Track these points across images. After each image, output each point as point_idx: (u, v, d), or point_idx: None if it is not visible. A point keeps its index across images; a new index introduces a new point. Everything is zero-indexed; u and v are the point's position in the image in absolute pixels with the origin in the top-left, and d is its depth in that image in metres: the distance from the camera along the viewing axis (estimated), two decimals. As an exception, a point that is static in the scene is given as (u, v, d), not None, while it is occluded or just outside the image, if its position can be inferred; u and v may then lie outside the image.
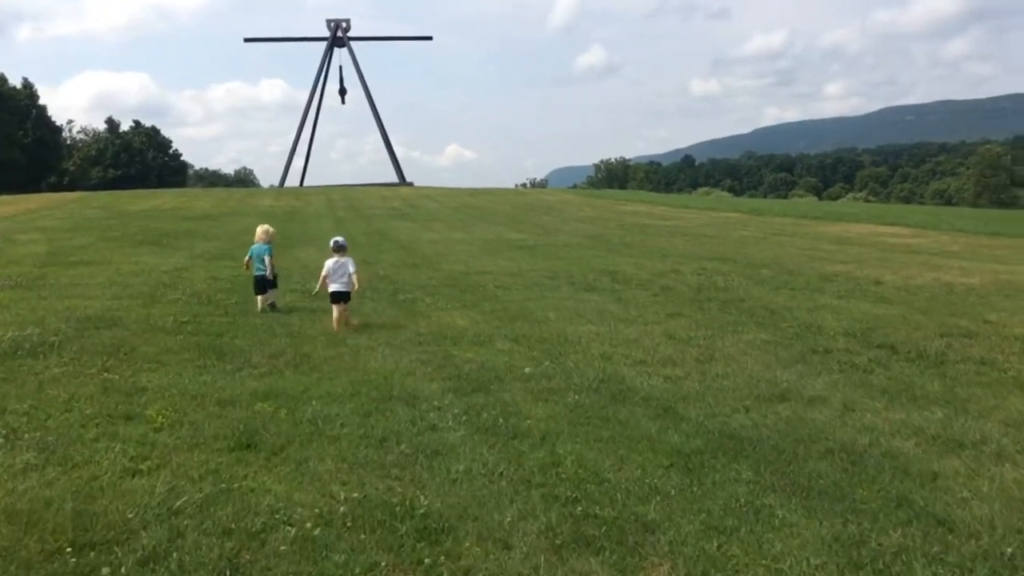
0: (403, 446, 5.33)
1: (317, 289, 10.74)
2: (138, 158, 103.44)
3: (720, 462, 5.08)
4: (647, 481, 4.72)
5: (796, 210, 43.51)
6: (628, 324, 10.89)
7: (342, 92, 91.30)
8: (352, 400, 6.49)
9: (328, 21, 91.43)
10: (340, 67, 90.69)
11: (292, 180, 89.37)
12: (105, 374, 7.22)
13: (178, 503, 4.21)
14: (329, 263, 10.39)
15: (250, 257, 11.54)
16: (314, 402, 6.35)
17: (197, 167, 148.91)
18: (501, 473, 4.84)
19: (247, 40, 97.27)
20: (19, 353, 8.01)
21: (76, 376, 7.11)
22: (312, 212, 42.80)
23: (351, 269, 10.31)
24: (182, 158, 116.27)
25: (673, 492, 4.56)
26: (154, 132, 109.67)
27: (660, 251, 23.25)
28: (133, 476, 4.66)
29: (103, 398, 6.38)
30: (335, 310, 10.19)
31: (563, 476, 4.81)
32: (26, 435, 5.34)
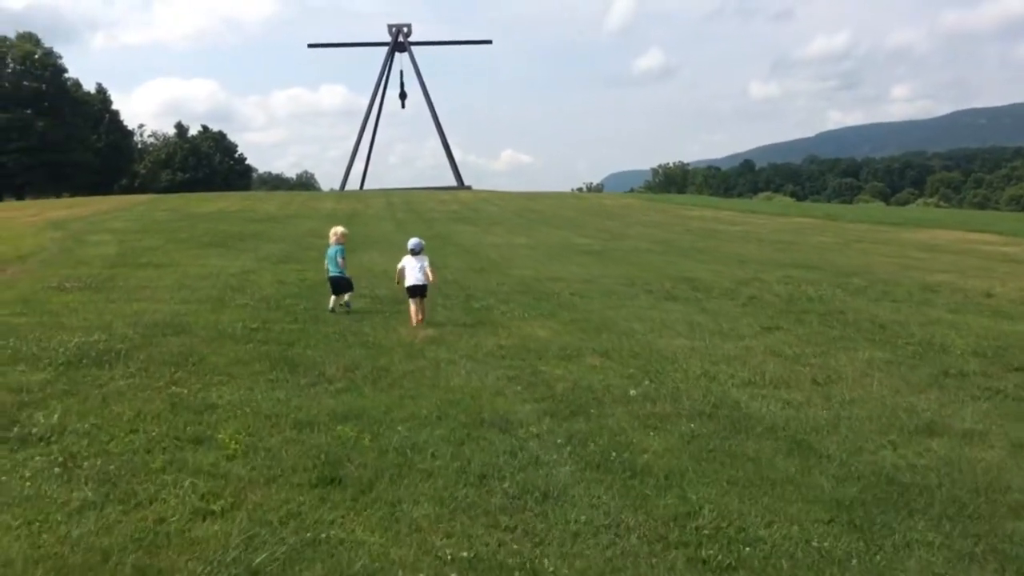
0: (506, 484, 4.61)
1: (398, 280, 10.92)
2: (205, 162, 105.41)
3: (891, 517, 4.24)
4: (811, 543, 3.91)
5: (873, 216, 41.70)
6: (723, 338, 10.03)
7: (403, 96, 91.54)
8: (440, 424, 5.80)
9: (390, 27, 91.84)
10: (401, 72, 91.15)
11: (352, 184, 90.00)
12: (173, 388, 6.67)
13: (258, 559, 3.55)
14: (406, 259, 10.67)
15: (326, 261, 11.60)
16: (399, 427, 5.67)
17: (261, 171, 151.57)
18: (629, 526, 4.08)
19: (311, 46, 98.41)
20: (84, 362, 7.55)
21: (143, 390, 6.58)
22: (372, 215, 42.62)
23: (426, 264, 10.69)
24: (247, 162, 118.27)
25: (852, 560, 3.74)
26: (221, 136, 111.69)
27: (736, 257, 22.21)
28: (204, 519, 4.02)
29: (171, 417, 5.81)
30: (412, 304, 10.51)
31: (704, 532, 4.03)
32: (85, 462, 4.75)
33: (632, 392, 6.70)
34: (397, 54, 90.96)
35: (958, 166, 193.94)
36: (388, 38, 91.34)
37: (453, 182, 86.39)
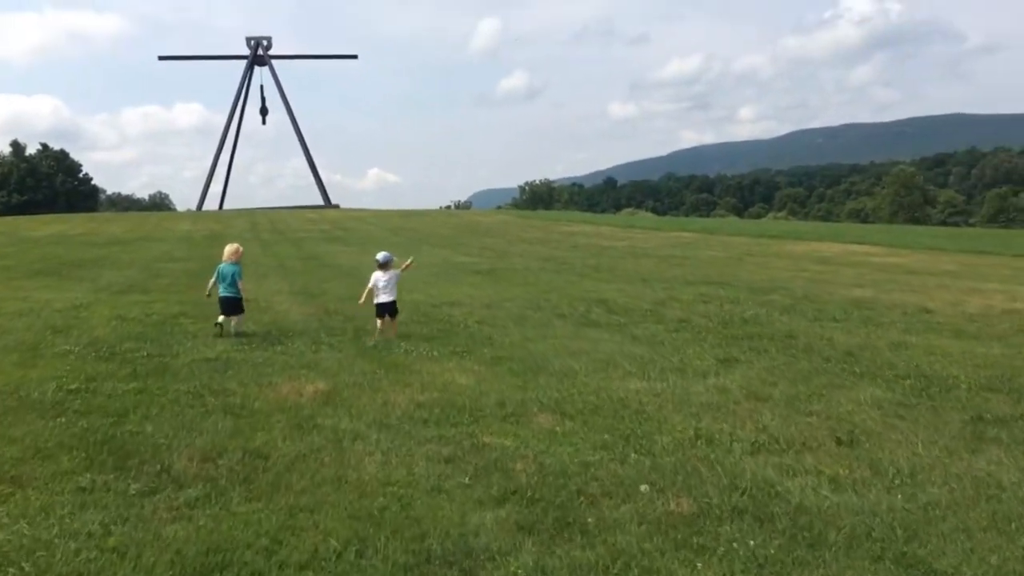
0: None
1: (362, 300, 10.82)
2: (45, 182, 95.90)
3: None
4: None
5: (750, 230, 41.89)
6: (683, 376, 8.22)
7: (263, 112, 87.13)
8: (365, 571, 3.57)
9: (248, 39, 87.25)
10: (261, 86, 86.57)
11: (210, 204, 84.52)
12: (-92, 516, 4.09)
13: None
14: (376, 276, 10.53)
15: (216, 279, 10.50)
16: (298, 586, 3.39)
17: (110, 192, 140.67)
18: None
19: (161, 58, 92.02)
20: None
21: None
22: (235, 235, 39.03)
23: (395, 279, 10.62)
24: (93, 182, 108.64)
25: None
26: (63, 155, 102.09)
27: (636, 275, 20.81)
28: None
29: None
30: (379, 322, 10.49)
31: None
32: None
33: (643, 488, 4.63)
34: (257, 68, 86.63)
35: (800, 183, 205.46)
36: (247, 51, 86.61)
37: (320, 201, 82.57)
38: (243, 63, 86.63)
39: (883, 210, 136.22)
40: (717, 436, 5.92)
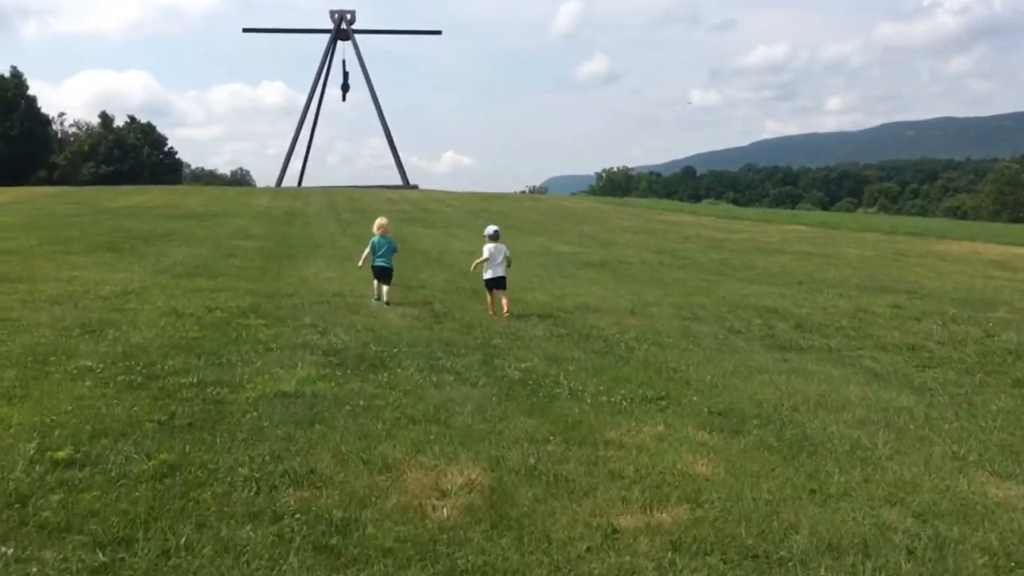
0: None
1: (474, 267, 10.82)
2: (132, 154, 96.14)
3: None
4: None
5: (878, 225, 37.52)
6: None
7: (345, 87, 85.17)
8: None
9: (332, 12, 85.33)
10: (343, 61, 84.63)
11: (289, 181, 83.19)
12: None
13: None
14: (488, 248, 10.43)
15: (370, 250, 11.11)
16: None
17: (194, 166, 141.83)
18: None
19: (246, 30, 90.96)
20: None
21: None
22: (313, 213, 36.76)
23: (507, 253, 10.53)
24: (177, 156, 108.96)
25: None
26: (149, 128, 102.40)
27: (786, 276, 17.33)
28: None
29: None
30: (490, 297, 10.38)
31: None
32: None
33: None
34: (340, 43, 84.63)
35: (889, 177, 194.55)
36: (330, 25, 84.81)
37: (398, 181, 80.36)
38: (325, 38, 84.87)
39: (985, 208, 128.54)
40: None
